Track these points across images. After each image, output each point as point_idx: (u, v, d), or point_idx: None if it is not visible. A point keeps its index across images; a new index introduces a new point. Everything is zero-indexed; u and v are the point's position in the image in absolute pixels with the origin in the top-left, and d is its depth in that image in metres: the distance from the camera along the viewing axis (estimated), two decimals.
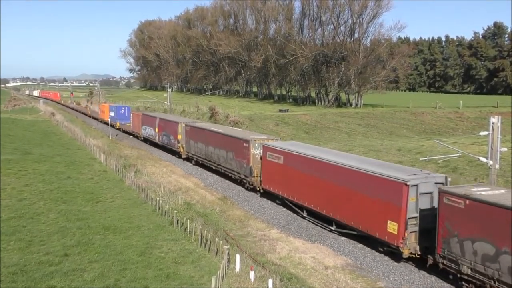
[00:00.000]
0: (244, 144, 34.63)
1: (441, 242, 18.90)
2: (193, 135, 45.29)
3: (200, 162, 43.92)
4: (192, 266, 19.88)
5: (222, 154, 38.81)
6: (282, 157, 29.82)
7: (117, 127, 74.53)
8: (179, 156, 49.13)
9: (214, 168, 40.80)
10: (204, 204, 32.47)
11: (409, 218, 20.47)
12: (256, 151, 33.67)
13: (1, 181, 34.40)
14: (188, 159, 47.48)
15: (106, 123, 77.69)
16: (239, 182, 36.50)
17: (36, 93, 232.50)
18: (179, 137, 48.19)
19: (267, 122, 68.85)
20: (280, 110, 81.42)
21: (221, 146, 38.89)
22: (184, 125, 47.70)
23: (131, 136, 68.97)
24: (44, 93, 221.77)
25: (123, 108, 79.01)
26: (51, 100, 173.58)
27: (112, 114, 78.97)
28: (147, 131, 59.34)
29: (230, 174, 37.65)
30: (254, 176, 33.80)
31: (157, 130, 55.10)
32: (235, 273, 19.15)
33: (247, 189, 35.25)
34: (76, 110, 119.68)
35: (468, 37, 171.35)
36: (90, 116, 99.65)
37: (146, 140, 61.22)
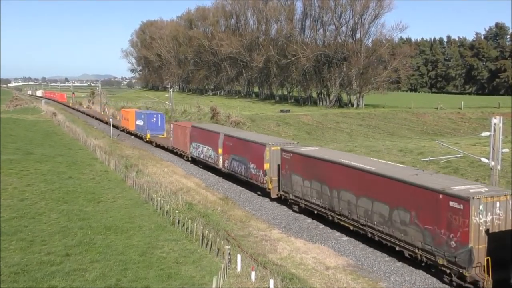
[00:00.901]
0: (452, 202, 18.56)
1: None
2: (300, 167, 28.93)
3: (316, 212, 27.71)
4: (193, 266, 19.90)
5: (378, 209, 22.55)
6: None
7: (146, 139, 61.75)
8: (263, 193, 33.80)
9: (352, 228, 24.76)
10: (205, 204, 32.50)
11: None
12: (480, 219, 18.18)
13: (3, 181, 34.49)
14: (283, 200, 31.57)
15: (131, 134, 68.37)
16: (426, 265, 20.60)
17: (39, 93, 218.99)
18: (266, 166, 32.41)
19: (268, 122, 68.89)
20: (282, 111, 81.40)
21: (377, 196, 22.65)
22: (278, 149, 31.67)
23: (167, 152, 54.52)
24: (48, 93, 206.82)
25: (155, 115, 63.49)
26: (57, 102, 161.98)
27: (140, 123, 65.47)
28: (201, 150, 43.88)
29: (397, 248, 21.67)
30: (476, 266, 18.13)
31: (220, 151, 39.71)
32: (236, 273, 19.16)
33: (451, 284, 19.35)
34: (88, 115, 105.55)
35: (470, 37, 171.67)
36: (107, 123, 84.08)
37: (196, 162, 46.38)
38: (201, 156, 44.13)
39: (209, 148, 41.95)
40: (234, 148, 37.43)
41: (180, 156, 50.41)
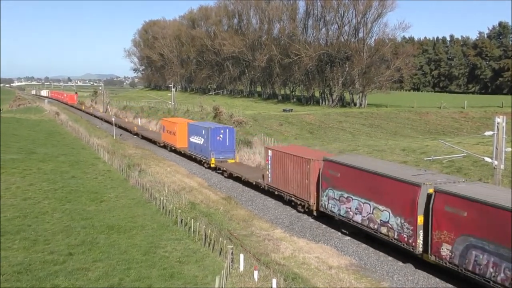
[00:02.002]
0: None
1: None
2: None
3: None
4: (196, 266, 19.91)
5: None
6: None
7: (211, 165, 43.07)
8: None
9: None
10: (208, 204, 32.52)
11: None
12: None
13: (7, 180, 34.63)
14: None
15: (179, 153, 52.00)
16: None
17: (44, 93, 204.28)
18: None
19: (271, 122, 68.80)
20: (284, 110, 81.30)
21: None
22: None
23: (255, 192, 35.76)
24: (55, 93, 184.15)
25: (222, 131, 44.28)
26: (66, 104, 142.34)
27: (197, 140, 46.57)
28: (354, 207, 24.55)
29: None
30: None
31: (421, 220, 20.54)
32: (239, 272, 19.16)
33: None
34: (109, 122, 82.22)
35: (473, 36, 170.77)
36: (137, 135, 68.91)
37: (331, 220, 27.20)
38: (355, 218, 24.31)
39: (382, 208, 22.54)
40: (477, 222, 17.92)
41: (290, 203, 30.95)
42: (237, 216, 29.68)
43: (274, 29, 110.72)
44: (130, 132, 72.30)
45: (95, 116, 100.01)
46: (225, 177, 40.59)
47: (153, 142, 61.55)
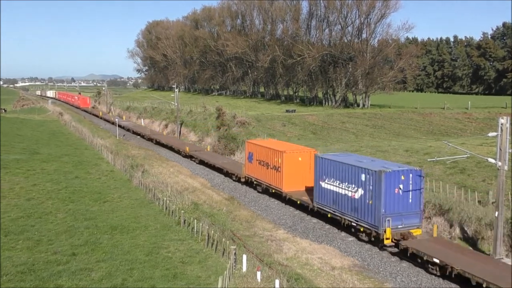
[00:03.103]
0: None
1: None
2: None
3: None
4: (199, 266, 19.92)
5: None
6: None
7: (384, 240, 23.12)
8: None
9: None
10: (211, 204, 32.55)
11: None
12: None
13: (10, 180, 34.74)
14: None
15: (292, 204, 31.52)
16: None
17: (50, 93, 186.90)
18: None
19: (274, 122, 68.77)
20: (287, 111, 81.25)
21: None
22: None
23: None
24: (64, 95, 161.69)
25: (403, 176, 23.66)
26: (77, 108, 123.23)
27: (344, 189, 25.87)
28: None
29: None
30: None
31: None
32: (242, 273, 19.16)
33: None
34: (155, 141, 62.54)
35: (477, 37, 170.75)
36: (190, 157, 49.62)
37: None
38: None
39: None
40: None
41: None
42: (240, 217, 29.69)
43: (277, 30, 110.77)
44: (179, 153, 52.62)
45: (119, 126, 72.62)
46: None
47: (228, 174, 40.61)
